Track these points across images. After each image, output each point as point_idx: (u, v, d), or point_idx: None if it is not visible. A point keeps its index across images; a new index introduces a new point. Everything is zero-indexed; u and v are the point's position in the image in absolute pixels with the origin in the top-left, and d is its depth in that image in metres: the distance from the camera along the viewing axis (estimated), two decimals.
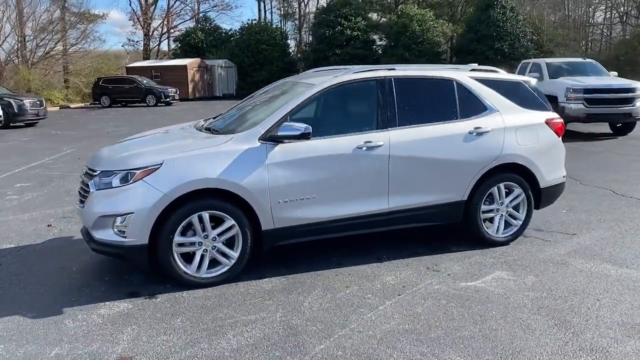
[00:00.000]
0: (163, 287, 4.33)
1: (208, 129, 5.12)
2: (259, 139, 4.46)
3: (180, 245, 4.29)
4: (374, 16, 43.39)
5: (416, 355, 3.29)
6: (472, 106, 5.24)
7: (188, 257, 4.36)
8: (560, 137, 5.62)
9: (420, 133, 4.96)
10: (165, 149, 4.49)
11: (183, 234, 4.29)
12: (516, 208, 5.41)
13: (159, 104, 29.56)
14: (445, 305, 3.99)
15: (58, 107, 29.70)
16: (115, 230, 4.20)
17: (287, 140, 4.47)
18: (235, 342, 3.48)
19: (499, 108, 5.31)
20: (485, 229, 5.30)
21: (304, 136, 4.45)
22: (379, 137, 4.78)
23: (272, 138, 4.46)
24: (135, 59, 40.91)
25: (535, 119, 5.45)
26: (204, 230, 4.32)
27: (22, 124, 18.73)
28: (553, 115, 5.59)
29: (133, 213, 4.13)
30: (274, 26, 39.88)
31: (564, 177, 5.69)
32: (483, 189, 5.18)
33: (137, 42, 44.68)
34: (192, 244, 4.33)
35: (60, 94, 32.06)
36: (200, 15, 42.63)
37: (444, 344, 3.42)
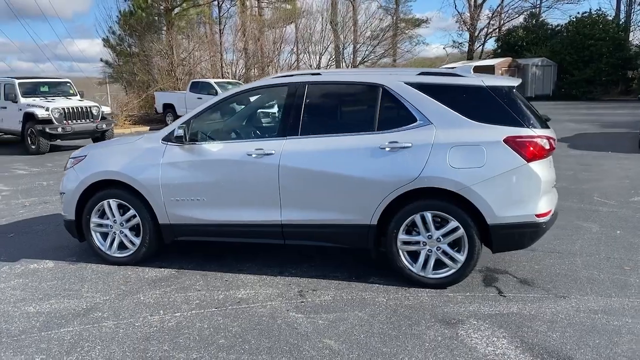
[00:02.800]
0: (86, 257, 5.24)
1: None
2: (161, 139, 4.89)
3: (98, 225, 5.11)
4: None
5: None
6: (398, 117, 4.39)
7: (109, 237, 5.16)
8: (539, 161, 4.14)
9: (320, 144, 4.49)
10: (109, 143, 5.38)
11: (101, 217, 5.10)
12: (456, 245, 4.30)
13: None
14: (211, 323, 3.75)
15: None
16: (61, 206, 5.32)
17: (176, 143, 4.78)
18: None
19: (434, 120, 4.29)
20: (407, 263, 4.39)
21: (178, 140, 4.70)
22: (272, 146, 4.57)
23: (168, 139, 4.84)
24: (457, 60, 41.73)
25: (485, 135, 4.17)
26: (113, 216, 5.04)
27: None
28: (521, 132, 4.14)
29: (64, 193, 5.18)
30: (609, 17, 34.78)
31: (538, 215, 4.16)
32: (401, 214, 4.32)
33: (461, 43, 45.39)
34: (106, 226, 5.10)
35: None
36: (528, 11, 40.35)
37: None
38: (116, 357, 3.37)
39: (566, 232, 5.82)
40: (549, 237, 5.57)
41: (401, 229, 4.34)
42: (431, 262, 4.33)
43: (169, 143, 4.84)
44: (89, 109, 14.22)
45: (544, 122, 4.55)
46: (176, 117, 21.31)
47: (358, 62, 36.95)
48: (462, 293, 4.26)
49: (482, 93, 4.29)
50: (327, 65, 35.06)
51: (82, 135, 14.28)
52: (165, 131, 4.92)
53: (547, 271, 4.70)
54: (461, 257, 4.26)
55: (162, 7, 27.69)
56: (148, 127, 21.22)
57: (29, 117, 13.79)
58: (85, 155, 5.19)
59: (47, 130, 13.37)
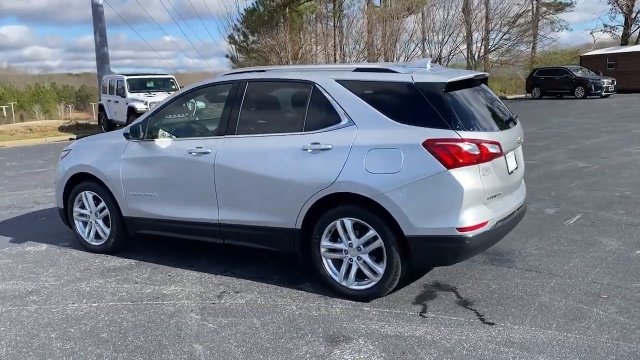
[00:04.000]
0: (77, 243, 5.65)
1: None
2: (123, 135, 5.10)
3: (80, 215, 5.49)
4: None
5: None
6: (326, 116, 4.13)
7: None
8: (465, 168, 3.63)
9: (252, 144, 4.38)
10: (94, 138, 5.73)
11: (82, 207, 5.47)
12: (377, 256, 3.95)
13: (588, 96, 27.07)
14: (112, 317, 3.83)
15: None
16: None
17: (134, 139, 4.96)
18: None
19: (357, 120, 3.97)
20: (329, 271, 4.13)
21: (135, 136, 4.89)
22: (210, 144, 4.56)
23: (126, 136, 5.04)
24: (607, 46, 37.74)
25: (405, 138, 3.76)
26: (89, 206, 5.38)
27: None
28: (443, 134, 3.65)
29: (55, 183, 5.64)
30: None
31: (461, 229, 3.65)
32: (323, 220, 4.07)
33: (614, 27, 40.88)
34: (85, 215, 5.46)
35: (498, 85, 33.42)
36: None
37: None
38: (5, 340, 3.63)
39: (571, 247, 5.04)
40: (544, 253, 4.90)
41: (324, 235, 4.09)
42: (352, 272, 4.03)
43: (130, 139, 5.04)
44: None
45: (499, 124, 4.02)
46: None
47: (488, 51, 35.12)
48: (380, 308, 3.90)
49: (410, 91, 3.87)
50: (449, 56, 33.67)
51: None
52: (127, 127, 5.13)
53: (501, 292, 4.13)
54: (380, 270, 3.91)
55: (279, 2, 28.58)
56: None
57: (132, 111, 15.17)
58: (71, 149, 5.60)
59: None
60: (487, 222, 3.78)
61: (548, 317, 3.68)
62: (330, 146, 3.99)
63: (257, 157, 4.32)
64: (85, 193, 5.37)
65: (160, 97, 15.36)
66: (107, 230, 5.31)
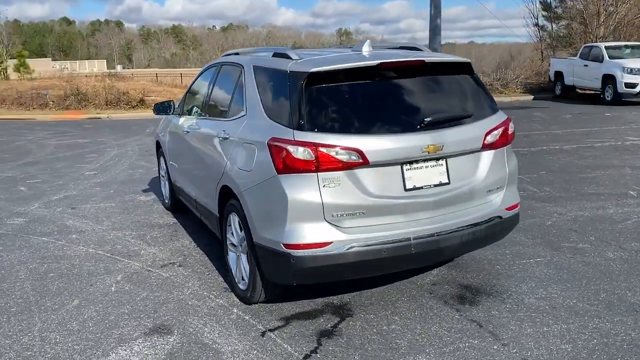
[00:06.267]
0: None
1: None
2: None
3: (162, 176, 6.42)
4: None
5: None
6: (239, 104, 3.92)
7: None
8: (296, 175, 3.03)
9: (203, 126, 4.51)
10: None
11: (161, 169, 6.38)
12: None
13: None
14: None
15: None
16: None
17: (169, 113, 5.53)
18: None
19: (249, 110, 3.70)
20: (229, 264, 3.99)
21: (175, 111, 5.44)
22: (189, 124, 4.83)
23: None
24: None
25: (261, 134, 3.34)
26: (160, 169, 6.26)
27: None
28: (283, 134, 3.11)
29: None
30: None
31: (287, 245, 3.06)
32: (225, 211, 3.95)
33: None
34: (163, 176, 6.34)
35: None
36: None
37: None
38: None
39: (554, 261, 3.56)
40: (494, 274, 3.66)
41: (226, 227, 3.97)
42: (241, 271, 3.80)
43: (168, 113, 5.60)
44: None
45: (413, 126, 3.19)
46: (564, 87, 19.32)
47: None
48: (249, 313, 3.63)
49: (283, 81, 3.36)
50: None
51: None
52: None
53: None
54: (246, 275, 3.63)
55: None
56: (532, 97, 20.06)
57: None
58: None
59: None
60: (329, 242, 3.09)
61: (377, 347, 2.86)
62: (228, 136, 3.83)
63: (202, 141, 4.42)
64: (160, 157, 6.27)
65: None
66: (167, 193, 6.12)
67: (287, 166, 3.07)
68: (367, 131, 3.13)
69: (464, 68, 3.63)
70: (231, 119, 3.91)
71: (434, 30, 23.47)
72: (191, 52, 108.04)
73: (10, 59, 32.88)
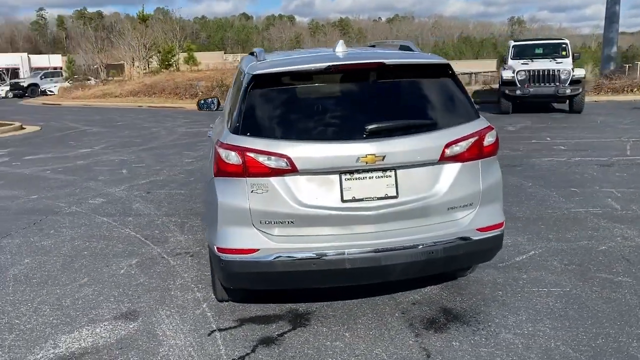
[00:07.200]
0: None
1: None
2: None
3: None
4: None
5: None
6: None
7: None
8: (226, 179, 3.01)
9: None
10: None
11: None
12: None
13: None
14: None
15: None
16: None
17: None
18: None
19: (225, 112, 3.75)
20: None
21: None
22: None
23: None
24: None
25: (215, 136, 3.48)
26: None
27: None
28: (222, 137, 3.17)
29: None
30: None
31: (220, 249, 3.08)
32: None
33: None
34: None
35: None
36: None
37: None
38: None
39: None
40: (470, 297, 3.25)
41: None
42: None
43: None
44: (556, 73, 13.60)
45: (361, 133, 3.03)
46: None
47: None
48: (213, 310, 3.70)
49: (243, 83, 3.34)
50: None
51: (541, 99, 13.95)
52: None
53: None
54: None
55: None
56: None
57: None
58: None
59: (507, 92, 13.92)
60: (257, 250, 3.02)
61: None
62: (210, 136, 3.94)
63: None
64: None
65: (537, 64, 14.10)
66: None
67: (220, 170, 3.07)
68: (299, 137, 2.99)
69: (439, 70, 3.26)
70: (220, 120, 4.00)
71: (611, 17, 21.86)
72: (354, 44, 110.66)
73: (181, 52, 36.54)
